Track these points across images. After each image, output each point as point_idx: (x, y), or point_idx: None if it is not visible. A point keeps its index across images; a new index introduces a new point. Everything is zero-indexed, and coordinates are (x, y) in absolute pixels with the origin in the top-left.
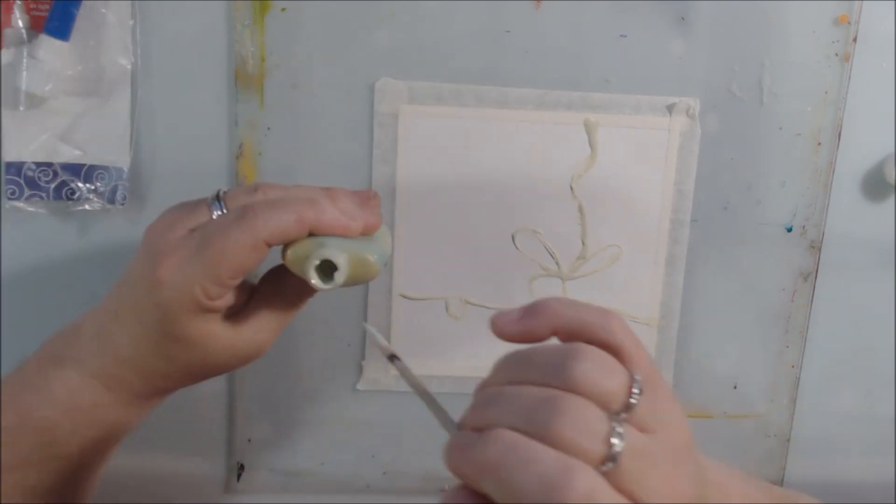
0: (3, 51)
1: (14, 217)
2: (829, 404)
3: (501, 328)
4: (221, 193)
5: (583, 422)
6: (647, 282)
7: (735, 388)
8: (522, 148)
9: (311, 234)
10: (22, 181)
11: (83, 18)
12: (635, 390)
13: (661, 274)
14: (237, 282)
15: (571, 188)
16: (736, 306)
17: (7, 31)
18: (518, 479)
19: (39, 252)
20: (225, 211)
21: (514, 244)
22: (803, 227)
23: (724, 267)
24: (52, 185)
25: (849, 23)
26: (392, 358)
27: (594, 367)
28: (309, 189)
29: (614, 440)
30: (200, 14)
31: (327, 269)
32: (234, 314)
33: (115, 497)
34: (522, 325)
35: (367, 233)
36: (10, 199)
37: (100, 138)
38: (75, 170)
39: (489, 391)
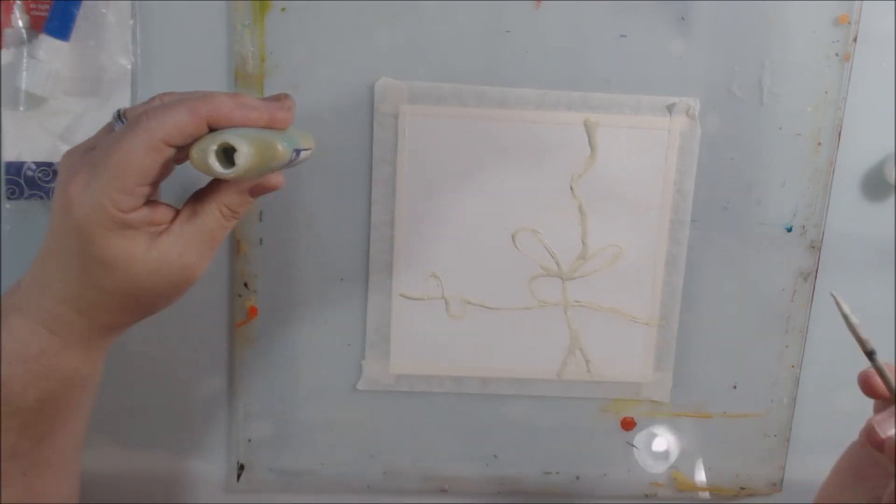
0: (3, 51)
1: (14, 217)
2: (829, 404)
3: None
4: (122, 111)
5: None
6: (647, 282)
7: (735, 388)
8: (522, 148)
9: (214, 131)
10: (22, 181)
11: (83, 18)
12: None
13: (661, 274)
14: (145, 189)
15: (571, 188)
16: (736, 306)
17: (7, 31)
18: None
19: None
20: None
21: (514, 244)
22: (803, 227)
23: (724, 267)
24: (52, 185)
25: (849, 23)
26: (871, 355)
27: None
28: (210, 91)
29: None
30: (200, 14)
31: (231, 158)
32: (158, 235)
33: (115, 497)
34: None
35: (274, 126)
36: (10, 199)
37: None
38: None
39: None
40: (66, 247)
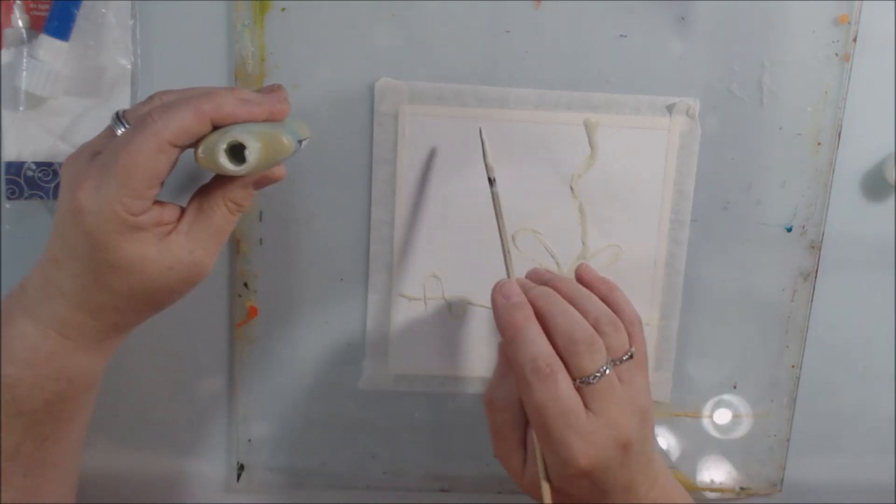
0: (3, 51)
1: (14, 217)
2: (829, 404)
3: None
4: (121, 112)
5: (594, 348)
6: (647, 282)
7: (735, 388)
8: (522, 148)
9: (217, 128)
10: (22, 181)
11: (83, 18)
12: (627, 357)
13: (661, 274)
14: (155, 190)
15: (571, 188)
16: (736, 306)
17: (7, 31)
18: (518, 348)
19: (40, 252)
20: (127, 126)
21: (515, 244)
22: (803, 227)
23: (724, 267)
24: (52, 185)
25: (849, 23)
26: (491, 181)
27: (615, 328)
28: (208, 87)
29: (600, 370)
30: (200, 14)
31: (239, 155)
32: (167, 235)
33: (115, 497)
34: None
35: (274, 119)
36: (10, 199)
37: None
38: None
39: (545, 288)
40: (75, 253)
